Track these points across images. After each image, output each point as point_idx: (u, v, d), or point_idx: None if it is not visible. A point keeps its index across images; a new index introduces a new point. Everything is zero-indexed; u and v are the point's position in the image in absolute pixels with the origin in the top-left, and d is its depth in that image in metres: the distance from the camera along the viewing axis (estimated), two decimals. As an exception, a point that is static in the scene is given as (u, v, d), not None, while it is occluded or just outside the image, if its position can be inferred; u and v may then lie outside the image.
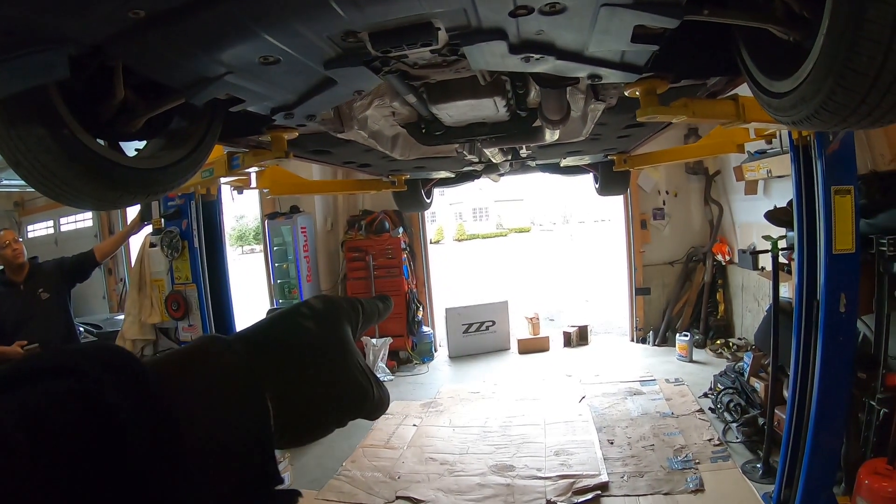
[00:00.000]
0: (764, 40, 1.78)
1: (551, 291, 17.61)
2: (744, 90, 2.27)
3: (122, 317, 9.17)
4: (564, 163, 5.98)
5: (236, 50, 1.63)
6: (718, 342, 8.87)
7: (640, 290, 9.81)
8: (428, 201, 6.71)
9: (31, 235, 11.64)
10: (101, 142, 1.99)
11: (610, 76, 2.09)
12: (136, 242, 6.09)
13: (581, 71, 2.04)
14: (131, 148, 2.25)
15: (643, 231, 9.81)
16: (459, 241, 43.93)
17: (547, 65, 1.93)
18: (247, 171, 3.62)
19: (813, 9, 1.43)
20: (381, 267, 9.61)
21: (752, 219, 7.80)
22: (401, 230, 9.81)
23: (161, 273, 5.40)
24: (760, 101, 1.93)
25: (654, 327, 9.74)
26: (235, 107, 2.13)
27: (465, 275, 23.22)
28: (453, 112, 2.86)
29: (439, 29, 1.59)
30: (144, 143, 2.33)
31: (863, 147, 4.11)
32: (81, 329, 6.60)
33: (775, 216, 5.18)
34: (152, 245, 5.46)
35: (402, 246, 9.74)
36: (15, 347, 4.27)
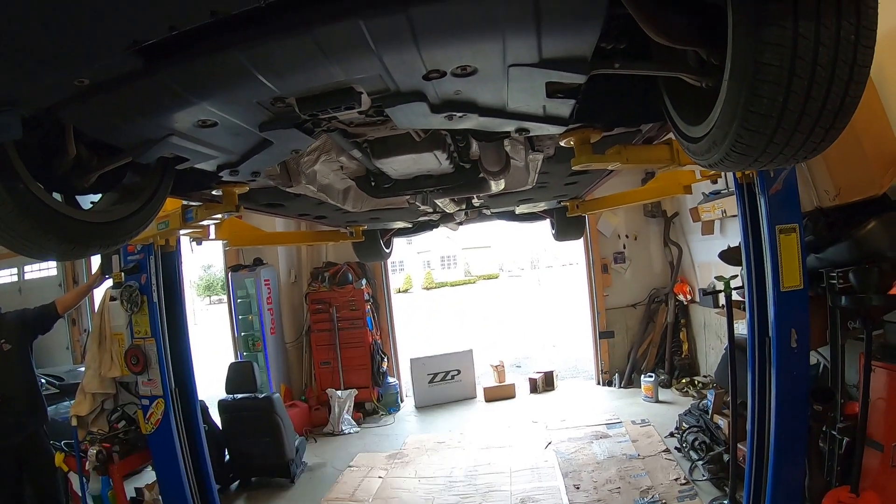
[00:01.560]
0: (683, 88, 1.83)
1: (518, 337, 17.65)
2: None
3: (84, 369, 9.01)
4: (519, 210, 6.13)
5: (174, 115, 1.72)
6: (684, 381, 8.93)
7: (603, 334, 9.90)
8: (387, 251, 6.79)
9: None
10: (57, 195, 2.03)
11: (537, 129, 2.20)
12: (97, 295, 6.03)
13: (507, 126, 2.14)
14: (87, 201, 2.29)
15: (605, 275, 9.95)
16: (428, 289, 43.82)
17: (471, 122, 2.03)
18: (203, 223, 3.67)
19: (720, 56, 1.47)
20: (344, 319, 9.57)
21: (710, 258, 7.88)
22: (364, 282, 9.81)
23: (121, 327, 5.33)
24: (682, 146, 1.99)
25: (619, 370, 9.79)
26: (181, 165, 2.22)
27: (433, 323, 23.15)
28: (397, 166, 2.97)
29: (361, 93, 1.68)
30: (99, 196, 2.36)
31: (807, 184, 4.25)
32: (43, 381, 6.45)
33: (728, 256, 5.33)
34: (112, 299, 5.40)
35: (366, 297, 9.74)
36: None
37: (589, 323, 10.28)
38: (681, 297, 9.38)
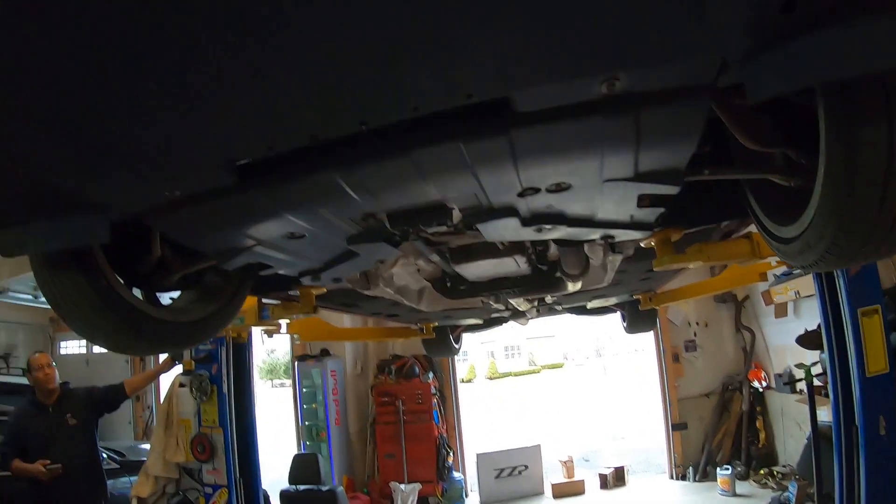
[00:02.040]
0: (769, 187, 1.79)
1: (585, 429, 16.95)
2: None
3: (146, 446, 9.04)
4: (591, 305, 6.01)
5: (263, 228, 1.76)
6: (762, 472, 8.44)
7: (676, 426, 9.45)
8: (457, 346, 6.73)
9: (63, 352, 11.64)
10: (138, 291, 2.09)
11: (622, 235, 2.17)
12: (165, 380, 6.13)
13: (593, 234, 2.12)
14: (166, 296, 2.35)
15: (676, 365, 9.61)
16: (491, 379, 43.02)
17: (559, 232, 2.02)
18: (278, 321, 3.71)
19: (809, 156, 1.43)
20: (411, 412, 9.45)
21: (785, 341, 7.69)
22: (431, 375, 9.73)
23: (188, 413, 5.41)
24: (770, 246, 1.92)
25: (693, 462, 9.31)
26: (264, 271, 2.26)
27: (498, 414, 22.54)
28: (476, 270, 2.94)
29: (453, 209, 1.68)
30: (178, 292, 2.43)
31: (885, 263, 4.07)
32: (105, 456, 6.53)
33: (807, 340, 5.09)
34: (181, 385, 5.50)
35: (433, 391, 9.63)
36: (38, 466, 4.25)
37: (660, 414, 9.89)
38: (756, 384, 8.99)
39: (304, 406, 9.34)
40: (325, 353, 9.27)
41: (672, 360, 9.60)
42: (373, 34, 0.92)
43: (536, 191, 1.59)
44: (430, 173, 1.43)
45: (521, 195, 1.61)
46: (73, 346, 11.74)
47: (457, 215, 1.73)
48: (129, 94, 1.04)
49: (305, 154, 1.33)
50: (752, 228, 2.51)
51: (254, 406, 5.13)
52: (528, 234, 1.96)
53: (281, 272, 2.34)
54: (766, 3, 0.88)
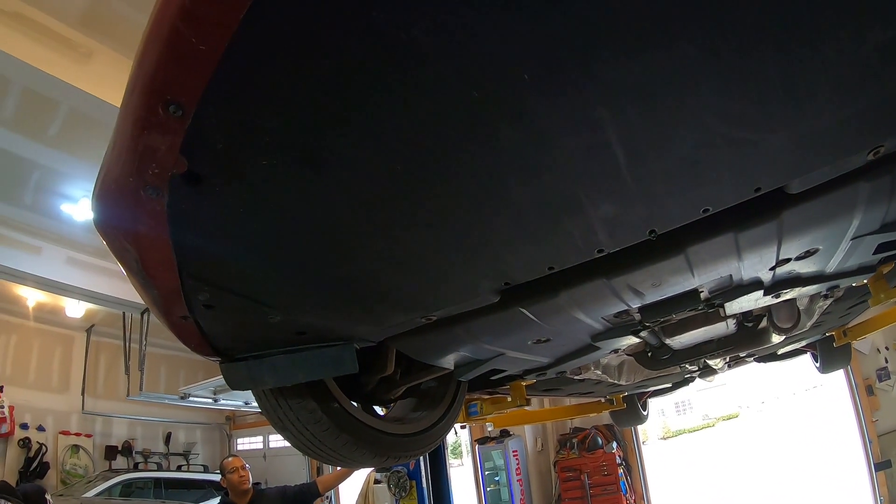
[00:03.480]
0: None
1: (779, 483, 15.32)
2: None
3: None
4: (782, 350, 5.62)
5: (514, 338, 1.74)
6: None
7: (879, 465, 8.31)
8: (645, 413, 6.49)
9: (240, 448, 12.36)
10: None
11: (846, 283, 2.10)
12: (359, 476, 6.29)
13: (821, 288, 2.05)
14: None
15: (871, 398, 8.58)
16: (665, 438, 40.39)
17: (792, 294, 1.97)
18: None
19: None
20: (596, 485, 9.11)
21: None
22: (615, 445, 9.38)
23: None
24: None
25: None
26: (495, 376, 2.24)
27: (683, 476, 20.99)
28: (685, 340, 2.89)
29: (702, 292, 1.69)
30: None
31: None
32: None
33: None
34: (377, 482, 5.58)
35: (617, 461, 9.25)
36: None
37: (860, 453, 8.74)
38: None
39: (488, 489, 9.28)
40: (505, 433, 9.23)
41: (866, 392, 8.60)
42: (679, 159, 0.99)
43: (787, 261, 1.57)
44: (698, 265, 1.43)
45: (772, 268, 1.60)
46: (250, 443, 12.46)
47: (704, 297, 1.72)
48: (429, 238, 1.11)
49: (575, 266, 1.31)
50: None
51: (451, 496, 5.18)
52: (765, 300, 1.93)
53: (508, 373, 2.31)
54: None
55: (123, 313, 8.50)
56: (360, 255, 1.15)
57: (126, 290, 7.75)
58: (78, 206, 6.58)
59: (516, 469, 9.00)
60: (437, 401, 2.39)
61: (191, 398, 9.03)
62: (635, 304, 1.64)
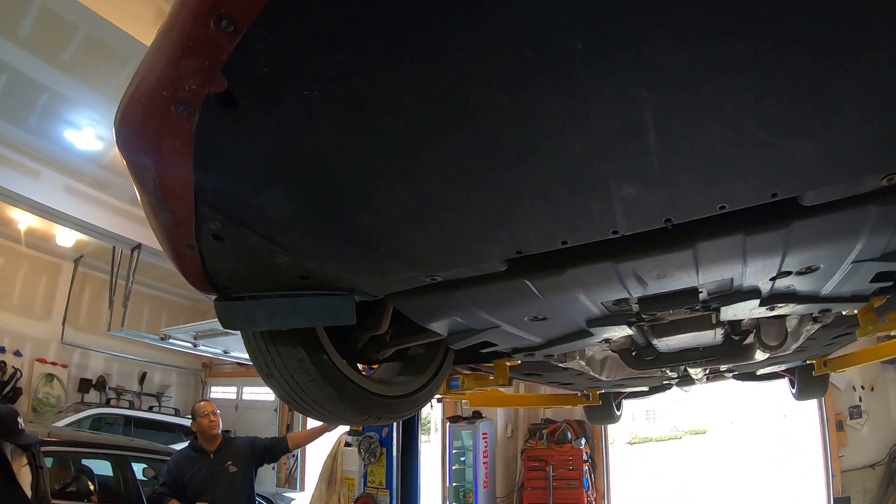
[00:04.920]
0: None
1: (739, 502, 15.53)
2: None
3: (290, 494, 9.32)
4: (761, 371, 5.68)
5: (513, 311, 1.74)
6: None
7: (838, 500, 8.49)
8: (618, 413, 6.55)
9: (213, 396, 12.42)
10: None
11: (837, 308, 2.12)
12: (330, 437, 6.33)
13: (813, 309, 2.09)
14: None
15: (840, 433, 8.74)
16: (632, 444, 40.85)
17: (786, 309, 1.99)
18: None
19: None
20: (561, 478, 9.18)
21: None
22: (583, 441, 9.47)
23: (353, 473, 5.42)
24: None
25: None
26: (485, 349, 2.23)
27: (645, 481, 21.23)
28: (672, 343, 2.92)
29: (701, 293, 1.71)
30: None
31: None
32: (262, 503, 6.81)
33: None
34: (347, 444, 5.58)
35: (584, 458, 9.34)
36: None
37: (822, 487, 8.91)
38: (927, 454, 7.87)
39: (454, 467, 9.36)
40: (477, 415, 9.29)
41: (836, 427, 8.76)
42: (706, 150, 1.00)
43: (787, 274, 1.59)
44: (704, 263, 1.45)
45: (772, 279, 1.62)
46: (223, 392, 12.57)
47: (702, 298, 1.74)
48: (445, 197, 1.12)
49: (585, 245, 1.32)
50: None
51: (419, 469, 5.22)
52: (759, 312, 1.95)
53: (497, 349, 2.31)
54: None
55: (114, 247, 8.46)
56: (382, 205, 1.14)
57: (119, 225, 7.73)
58: (81, 134, 6.53)
59: (484, 451, 9.07)
60: (422, 367, 2.38)
61: (171, 340, 8.99)
62: (637, 293, 1.65)
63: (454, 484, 9.28)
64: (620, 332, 2.11)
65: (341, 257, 1.36)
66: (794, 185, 1.13)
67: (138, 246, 8.12)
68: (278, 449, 5.04)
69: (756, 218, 1.27)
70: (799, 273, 1.61)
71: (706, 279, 1.60)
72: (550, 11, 0.76)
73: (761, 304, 1.85)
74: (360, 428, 5.24)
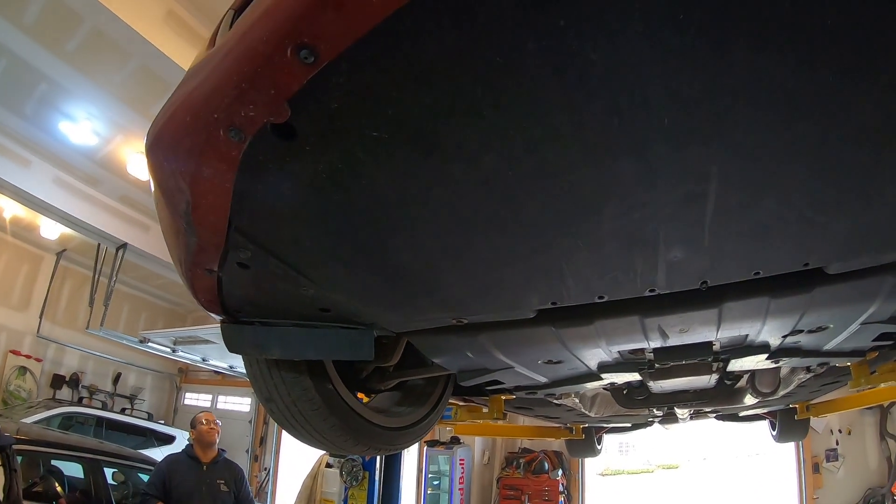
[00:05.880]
0: None
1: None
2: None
3: None
4: (744, 413, 5.71)
5: (530, 354, 1.71)
6: None
7: None
8: (599, 448, 6.52)
9: (187, 403, 12.23)
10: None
11: (835, 362, 2.15)
12: (311, 457, 6.23)
13: (812, 362, 2.11)
14: None
15: (815, 475, 8.83)
16: (604, 475, 40.89)
17: (790, 363, 2.04)
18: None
19: None
20: (535, 509, 9.15)
21: None
22: (560, 472, 9.42)
23: (333, 494, 5.37)
24: None
25: None
26: (491, 386, 2.18)
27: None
28: (667, 385, 2.90)
29: (715, 345, 1.72)
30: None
31: None
32: None
33: None
34: (329, 465, 5.51)
35: (560, 489, 9.29)
36: None
37: None
38: (901, 498, 7.97)
39: (429, 492, 9.26)
40: (455, 440, 9.20)
41: (812, 469, 8.86)
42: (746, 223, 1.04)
43: (800, 332, 1.61)
44: (727, 320, 1.46)
45: (784, 336, 1.64)
46: (197, 399, 12.29)
47: (715, 350, 1.74)
48: (494, 247, 1.09)
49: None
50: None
51: (400, 495, 5.14)
52: (764, 363, 1.96)
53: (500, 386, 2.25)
54: None
55: (98, 244, 8.30)
56: (427, 248, 1.11)
57: (106, 222, 7.60)
58: (77, 127, 6.39)
59: (460, 478, 8.98)
60: (423, 399, 2.34)
61: (149, 343, 8.85)
62: (656, 345, 1.65)
63: (428, 508, 9.18)
64: (629, 377, 2.08)
65: (371, 293, 1.31)
66: (824, 257, 1.19)
67: (124, 245, 7.98)
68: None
69: (782, 283, 1.29)
70: (810, 332, 1.63)
71: (724, 334, 1.60)
72: (645, 87, 0.76)
73: (769, 358, 1.86)
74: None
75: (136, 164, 6.85)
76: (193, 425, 4.59)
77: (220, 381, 11.80)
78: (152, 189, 1.12)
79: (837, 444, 8.83)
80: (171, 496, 4.27)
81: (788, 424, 6.03)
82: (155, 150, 0.96)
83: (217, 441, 4.65)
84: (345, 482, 5.15)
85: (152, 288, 11.18)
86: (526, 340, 1.57)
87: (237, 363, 10.24)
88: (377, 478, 4.86)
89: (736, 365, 1.93)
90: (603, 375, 1.96)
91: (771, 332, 1.61)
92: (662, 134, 0.82)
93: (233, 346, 1.50)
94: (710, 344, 1.69)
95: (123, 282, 9.56)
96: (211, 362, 9.81)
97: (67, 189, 7.17)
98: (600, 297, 1.27)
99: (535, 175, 0.90)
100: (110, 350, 10.39)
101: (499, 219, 1.01)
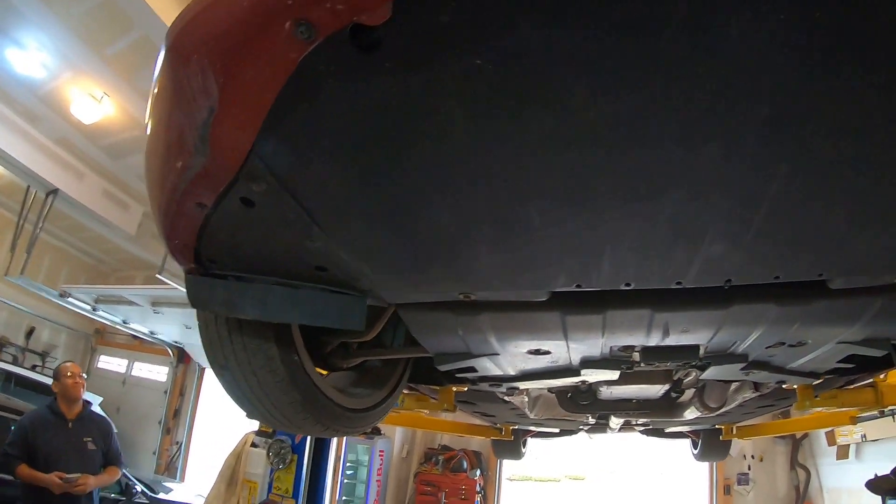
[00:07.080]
0: None
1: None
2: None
3: (170, 484, 8.94)
4: (671, 429, 5.85)
5: (522, 342, 1.65)
6: None
7: None
8: (524, 450, 6.56)
9: (101, 366, 11.67)
10: None
11: (792, 381, 2.21)
12: (229, 434, 6.02)
13: (774, 379, 2.13)
14: None
15: (727, 497, 9.22)
16: (511, 480, 41.48)
17: (758, 376, 2.06)
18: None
19: None
20: (452, 506, 9.18)
21: (842, 484, 7.57)
22: (478, 472, 9.47)
23: (258, 476, 5.15)
24: None
25: None
26: (462, 374, 2.05)
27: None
28: (617, 392, 2.91)
29: (700, 350, 1.71)
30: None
31: None
32: (138, 488, 6.41)
33: (879, 486, 4.89)
34: (254, 445, 5.33)
35: (477, 488, 9.36)
36: (52, 477, 3.86)
37: None
38: (806, 526, 8.49)
39: (345, 481, 9.12)
40: (376, 431, 9.09)
41: (724, 490, 9.25)
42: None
43: (781, 344, 1.64)
44: (727, 324, 1.47)
45: (767, 347, 1.66)
46: (112, 364, 11.73)
47: (700, 354, 1.73)
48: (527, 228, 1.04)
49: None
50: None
51: (326, 482, 5.02)
52: (736, 375, 2.02)
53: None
54: None
55: (28, 186, 7.72)
56: (463, 212, 1.00)
57: (40, 164, 7.06)
58: (25, 55, 5.91)
59: (378, 469, 8.90)
60: (380, 381, 2.24)
61: (70, 299, 8.37)
62: (652, 342, 1.64)
63: (344, 498, 9.02)
64: (608, 376, 2.05)
65: (386, 255, 1.19)
66: (836, 271, 1.22)
67: (55, 191, 7.46)
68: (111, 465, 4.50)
69: (788, 292, 1.32)
70: (790, 346, 1.66)
71: (717, 339, 1.61)
72: (735, 85, 0.76)
73: (742, 369, 1.89)
74: (271, 430, 4.96)
75: (81, 105, 6.44)
76: (57, 377, 4.29)
77: (137, 346, 11.26)
78: (156, 91, 0.94)
79: (749, 468, 9.25)
80: (36, 456, 3.98)
81: (712, 444, 6.22)
82: (186, 37, 0.79)
83: (82, 394, 4.36)
84: (271, 464, 4.95)
85: (78, 241, 10.53)
86: (526, 325, 1.50)
87: (158, 329, 9.84)
88: (305, 461, 4.70)
89: (713, 372, 1.94)
90: (582, 372, 1.92)
91: (759, 341, 1.62)
92: (756, 125, 0.82)
93: (197, 301, 1.34)
94: (697, 348, 1.69)
95: (49, 231, 8.98)
96: (132, 325, 9.39)
97: (2, 121, 6.66)
98: (627, 284, 1.22)
99: (609, 152, 0.86)
100: (25, 301, 9.70)
101: (560, 191, 0.94)
